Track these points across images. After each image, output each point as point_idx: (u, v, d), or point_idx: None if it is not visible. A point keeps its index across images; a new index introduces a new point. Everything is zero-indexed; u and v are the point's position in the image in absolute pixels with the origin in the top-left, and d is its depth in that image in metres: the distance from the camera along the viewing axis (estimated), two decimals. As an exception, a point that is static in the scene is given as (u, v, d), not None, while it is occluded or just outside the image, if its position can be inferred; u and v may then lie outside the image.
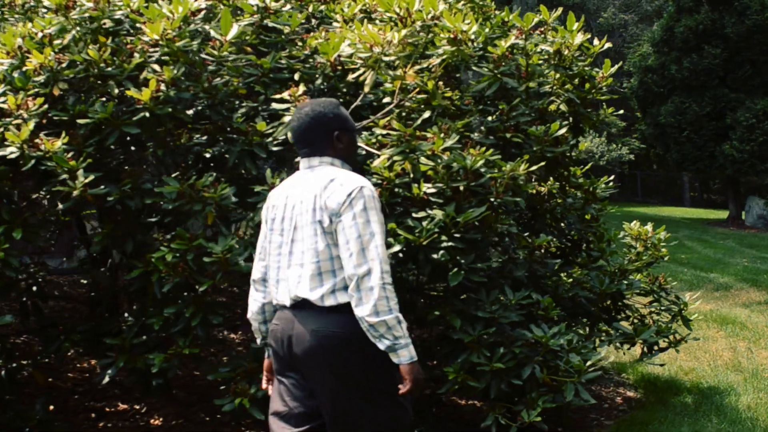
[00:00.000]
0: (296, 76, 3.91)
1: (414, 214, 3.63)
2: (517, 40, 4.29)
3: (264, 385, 2.94)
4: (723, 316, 8.83)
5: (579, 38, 4.40)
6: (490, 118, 4.23)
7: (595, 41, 4.50)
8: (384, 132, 3.66)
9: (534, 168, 3.95)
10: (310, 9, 4.61)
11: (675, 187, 34.99)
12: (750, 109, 19.90)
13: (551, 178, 4.77)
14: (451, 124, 3.76)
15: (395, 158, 3.52)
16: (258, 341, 2.95)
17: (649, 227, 5.46)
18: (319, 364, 2.52)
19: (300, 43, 4.13)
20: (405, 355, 2.44)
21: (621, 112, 5.15)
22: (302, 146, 2.71)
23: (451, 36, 3.78)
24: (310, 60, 4.01)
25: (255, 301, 2.84)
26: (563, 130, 4.11)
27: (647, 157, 28.68)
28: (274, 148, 3.79)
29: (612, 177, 5.52)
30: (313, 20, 4.58)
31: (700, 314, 8.97)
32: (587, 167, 4.95)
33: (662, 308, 5.21)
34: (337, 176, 2.58)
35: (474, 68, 4.13)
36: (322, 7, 4.67)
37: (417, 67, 3.98)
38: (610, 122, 31.30)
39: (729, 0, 20.98)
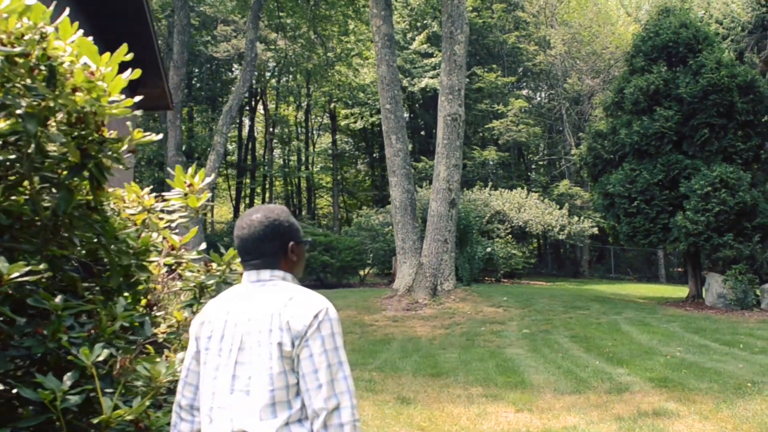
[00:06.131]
0: None
1: None
2: None
3: None
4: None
5: None
6: None
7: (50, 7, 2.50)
8: None
9: None
10: None
11: (654, 263, 32.66)
12: (706, 176, 17.78)
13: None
14: None
15: None
16: None
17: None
18: None
19: None
20: None
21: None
22: (251, 258, 2.37)
23: None
24: None
25: None
26: None
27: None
28: None
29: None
30: None
31: None
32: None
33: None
34: (296, 294, 2.26)
35: None
36: None
37: None
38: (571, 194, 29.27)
39: (684, 59, 19.24)
